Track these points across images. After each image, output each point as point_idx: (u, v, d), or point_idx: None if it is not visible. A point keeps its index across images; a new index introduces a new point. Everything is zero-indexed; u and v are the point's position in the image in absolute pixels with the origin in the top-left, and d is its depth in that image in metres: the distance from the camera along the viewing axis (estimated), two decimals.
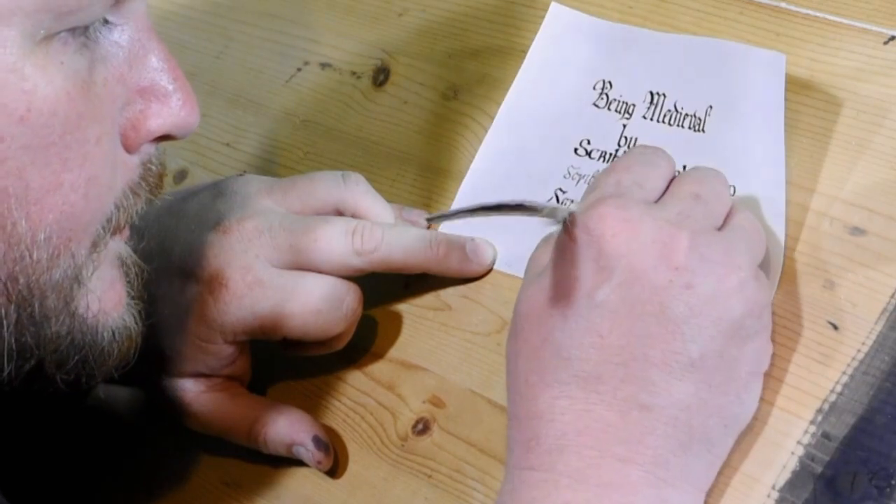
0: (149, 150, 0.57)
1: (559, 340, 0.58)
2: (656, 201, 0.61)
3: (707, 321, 0.57)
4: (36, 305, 0.54)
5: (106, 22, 0.54)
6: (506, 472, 0.60)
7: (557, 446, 0.57)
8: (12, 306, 0.54)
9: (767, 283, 0.60)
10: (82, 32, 0.53)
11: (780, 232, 0.64)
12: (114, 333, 0.58)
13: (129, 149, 0.56)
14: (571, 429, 0.57)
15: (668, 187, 0.62)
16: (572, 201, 0.71)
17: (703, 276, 0.57)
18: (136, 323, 0.60)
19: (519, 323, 0.60)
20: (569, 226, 0.58)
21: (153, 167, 0.58)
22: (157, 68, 0.56)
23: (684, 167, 0.67)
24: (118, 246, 0.58)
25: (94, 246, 0.56)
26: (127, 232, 0.58)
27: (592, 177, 0.71)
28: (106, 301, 0.58)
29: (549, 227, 0.62)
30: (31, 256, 0.53)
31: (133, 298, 0.60)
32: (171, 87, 0.56)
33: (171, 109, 0.56)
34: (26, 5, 0.49)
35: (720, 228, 0.60)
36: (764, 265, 0.61)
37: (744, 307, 0.58)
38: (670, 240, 0.57)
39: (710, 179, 0.62)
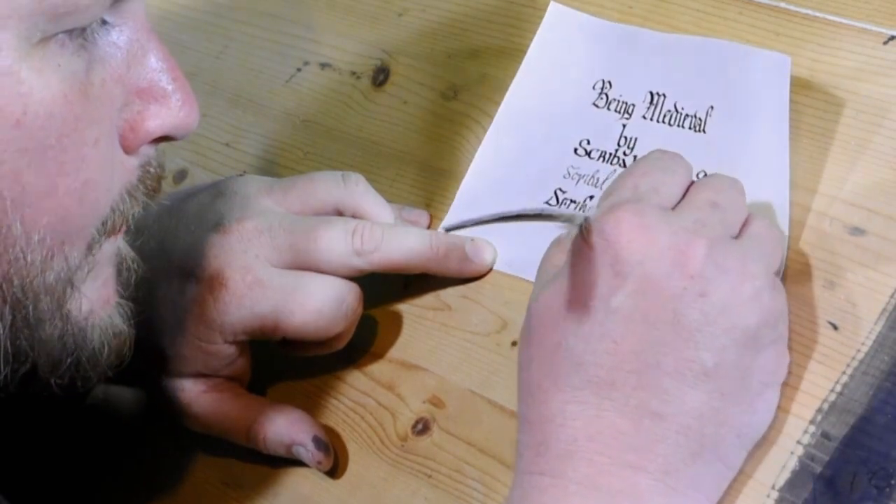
0: (148, 151, 0.57)
1: (573, 346, 0.58)
2: (674, 208, 0.60)
3: (720, 330, 0.57)
4: (30, 308, 0.54)
5: (104, 23, 0.54)
6: (514, 477, 0.59)
7: (567, 451, 0.57)
8: (7, 307, 0.53)
9: (784, 292, 0.59)
10: (80, 34, 0.52)
11: (784, 233, 0.64)
12: (101, 332, 0.58)
13: (127, 150, 0.56)
14: (582, 434, 0.57)
15: (685, 193, 0.61)
16: (572, 201, 0.70)
17: (717, 284, 0.57)
18: (125, 322, 0.59)
19: (532, 327, 0.60)
20: (585, 231, 0.58)
21: (152, 169, 0.58)
22: (155, 69, 0.55)
23: None
24: (113, 246, 0.58)
25: (89, 248, 0.55)
26: (123, 230, 0.58)
27: (592, 177, 0.71)
28: (96, 300, 0.57)
29: (556, 229, 0.62)
30: (25, 259, 0.52)
31: (123, 298, 0.59)
32: (170, 88, 0.56)
33: (171, 110, 0.56)
34: (22, 8, 0.49)
35: (737, 237, 0.60)
36: None
37: (759, 316, 0.57)
38: (686, 247, 0.57)
39: (727, 188, 0.61)
